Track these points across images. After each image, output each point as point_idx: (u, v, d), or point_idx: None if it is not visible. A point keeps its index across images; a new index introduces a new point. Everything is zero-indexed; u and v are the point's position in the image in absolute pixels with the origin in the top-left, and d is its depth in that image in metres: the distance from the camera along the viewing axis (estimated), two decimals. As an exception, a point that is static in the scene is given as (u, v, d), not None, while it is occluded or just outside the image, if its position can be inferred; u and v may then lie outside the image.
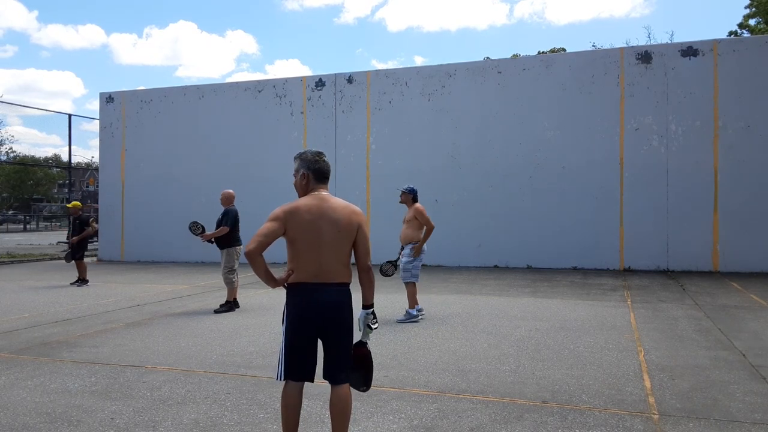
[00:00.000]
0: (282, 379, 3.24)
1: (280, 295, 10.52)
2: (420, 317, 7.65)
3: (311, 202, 3.26)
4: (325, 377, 3.28)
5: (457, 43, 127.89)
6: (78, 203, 12.37)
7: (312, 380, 3.25)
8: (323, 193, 3.34)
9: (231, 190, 9.25)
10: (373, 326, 3.34)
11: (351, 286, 3.34)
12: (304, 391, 4.56)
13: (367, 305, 3.34)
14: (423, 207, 7.78)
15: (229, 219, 8.84)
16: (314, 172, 3.36)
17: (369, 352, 3.35)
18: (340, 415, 3.23)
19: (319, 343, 3.27)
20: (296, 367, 3.21)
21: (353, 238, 3.27)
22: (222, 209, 9.08)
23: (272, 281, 3.20)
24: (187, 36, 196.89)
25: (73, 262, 12.08)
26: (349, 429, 3.81)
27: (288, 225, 3.19)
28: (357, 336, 3.34)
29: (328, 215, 3.23)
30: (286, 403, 3.26)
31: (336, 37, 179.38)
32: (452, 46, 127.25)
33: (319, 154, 3.42)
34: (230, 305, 8.70)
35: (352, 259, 3.31)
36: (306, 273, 3.21)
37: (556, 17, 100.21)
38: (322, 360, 3.30)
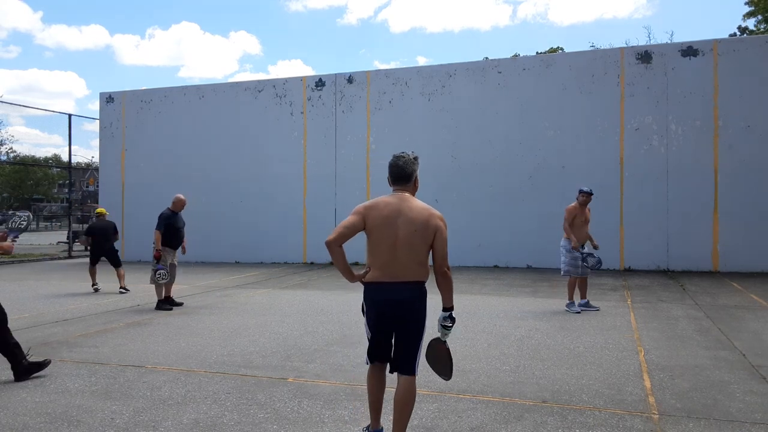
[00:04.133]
0: (367, 362, 3.54)
1: (279, 295, 10.53)
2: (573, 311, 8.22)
3: (390, 200, 3.40)
4: (391, 366, 3.48)
5: (459, 45, 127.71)
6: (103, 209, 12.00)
7: (387, 360, 3.49)
8: (403, 193, 3.45)
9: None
10: (447, 328, 3.45)
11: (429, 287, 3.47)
12: (304, 391, 4.55)
13: (445, 308, 3.44)
14: (568, 207, 8.63)
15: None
16: (390, 173, 3.50)
17: (447, 349, 3.50)
18: (400, 403, 3.37)
19: None
20: (374, 354, 3.49)
21: (430, 240, 3.35)
22: (179, 213, 9.23)
23: (349, 275, 3.38)
24: (190, 37, 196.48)
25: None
26: (348, 429, 3.81)
27: (367, 219, 3.36)
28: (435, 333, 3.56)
29: (406, 214, 3.34)
30: (374, 384, 3.52)
31: (339, 38, 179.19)
32: (455, 48, 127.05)
33: (397, 157, 3.50)
34: (163, 303, 8.87)
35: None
36: (380, 270, 3.36)
37: (559, 18, 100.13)
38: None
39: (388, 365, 3.54)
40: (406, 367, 3.40)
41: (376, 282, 3.38)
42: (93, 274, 11.22)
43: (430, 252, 3.40)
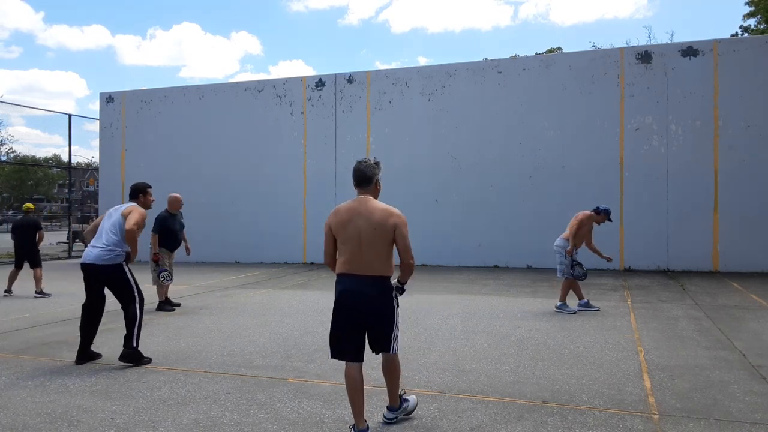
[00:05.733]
0: (331, 357, 3.84)
1: (279, 295, 10.52)
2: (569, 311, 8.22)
3: (351, 205, 3.78)
4: (372, 349, 3.84)
5: (461, 45, 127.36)
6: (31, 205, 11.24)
7: (357, 360, 3.75)
8: (365, 197, 3.79)
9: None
10: (397, 294, 3.87)
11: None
12: (304, 391, 4.57)
13: (399, 281, 3.85)
14: (584, 217, 8.51)
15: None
16: (353, 177, 3.84)
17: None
18: (387, 374, 3.90)
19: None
20: (336, 348, 3.80)
21: (391, 237, 3.69)
22: (177, 214, 9.11)
23: None
24: (191, 37, 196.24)
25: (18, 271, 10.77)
26: (348, 429, 3.82)
27: (332, 227, 3.80)
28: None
29: (365, 215, 3.69)
30: (347, 384, 3.72)
31: (340, 38, 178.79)
32: (456, 48, 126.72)
33: (359, 162, 3.85)
34: (162, 304, 8.77)
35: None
36: (345, 265, 3.72)
37: (561, 19, 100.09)
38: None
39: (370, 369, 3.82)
40: (383, 348, 3.80)
41: (342, 273, 3.75)
42: (11, 278, 10.60)
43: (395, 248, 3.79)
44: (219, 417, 4.15)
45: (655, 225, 13.43)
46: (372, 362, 4.72)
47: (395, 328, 3.81)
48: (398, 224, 3.68)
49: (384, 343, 3.78)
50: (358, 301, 3.68)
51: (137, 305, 5.67)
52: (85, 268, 5.67)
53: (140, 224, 5.68)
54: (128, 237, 5.61)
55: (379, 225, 3.65)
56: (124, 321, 5.67)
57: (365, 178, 3.79)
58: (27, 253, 10.62)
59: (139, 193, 6.13)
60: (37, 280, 10.48)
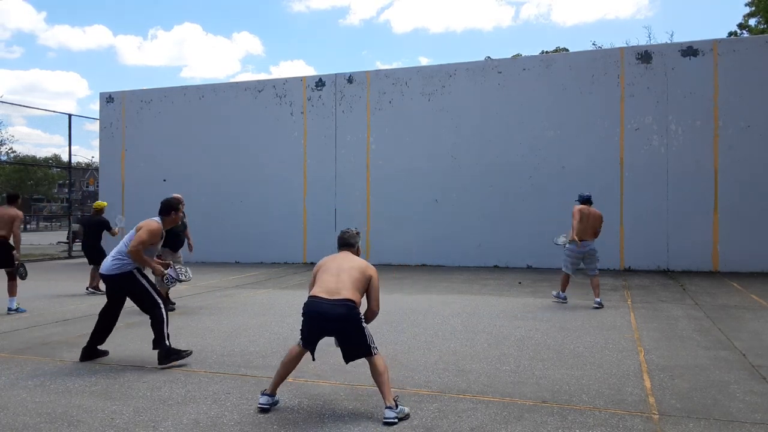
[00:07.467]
0: (302, 345, 4.30)
1: (279, 295, 10.50)
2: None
3: (336, 255, 4.53)
4: (346, 359, 4.30)
5: (462, 45, 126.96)
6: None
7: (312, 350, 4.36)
8: (348, 252, 4.55)
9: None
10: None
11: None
12: (304, 391, 4.58)
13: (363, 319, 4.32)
14: (575, 209, 8.85)
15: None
16: (338, 241, 4.62)
17: None
18: (376, 376, 4.14)
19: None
20: (307, 340, 4.30)
21: (366, 282, 4.31)
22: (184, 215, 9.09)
23: None
24: (193, 38, 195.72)
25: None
26: (348, 429, 3.82)
27: (316, 268, 4.46)
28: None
29: (349, 259, 4.41)
30: (289, 358, 4.29)
31: (341, 38, 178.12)
32: (457, 48, 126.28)
33: (343, 231, 4.65)
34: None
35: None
36: (318, 289, 4.24)
37: (562, 19, 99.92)
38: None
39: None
40: (365, 354, 4.17)
41: (314, 295, 4.22)
42: (92, 276, 10.92)
43: (364, 296, 4.34)
44: (219, 417, 4.15)
45: (655, 225, 13.42)
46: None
47: (367, 334, 4.19)
48: (374, 276, 4.35)
49: (364, 350, 4.17)
50: (325, 327, 4.18)
51: (161, 308, 5.61)
52: (101, 276, 5.76)
53: (146, 243, 5.58)
54: (132, 257, 5.56)
55: (359, 267, 4.31)
56: (150, 326, 5.57)
57: (349, 244, 4.57)
58: (89, 251, 11.03)
59: (171, 210, 5.97)
60: (92, 277, 10.86)
